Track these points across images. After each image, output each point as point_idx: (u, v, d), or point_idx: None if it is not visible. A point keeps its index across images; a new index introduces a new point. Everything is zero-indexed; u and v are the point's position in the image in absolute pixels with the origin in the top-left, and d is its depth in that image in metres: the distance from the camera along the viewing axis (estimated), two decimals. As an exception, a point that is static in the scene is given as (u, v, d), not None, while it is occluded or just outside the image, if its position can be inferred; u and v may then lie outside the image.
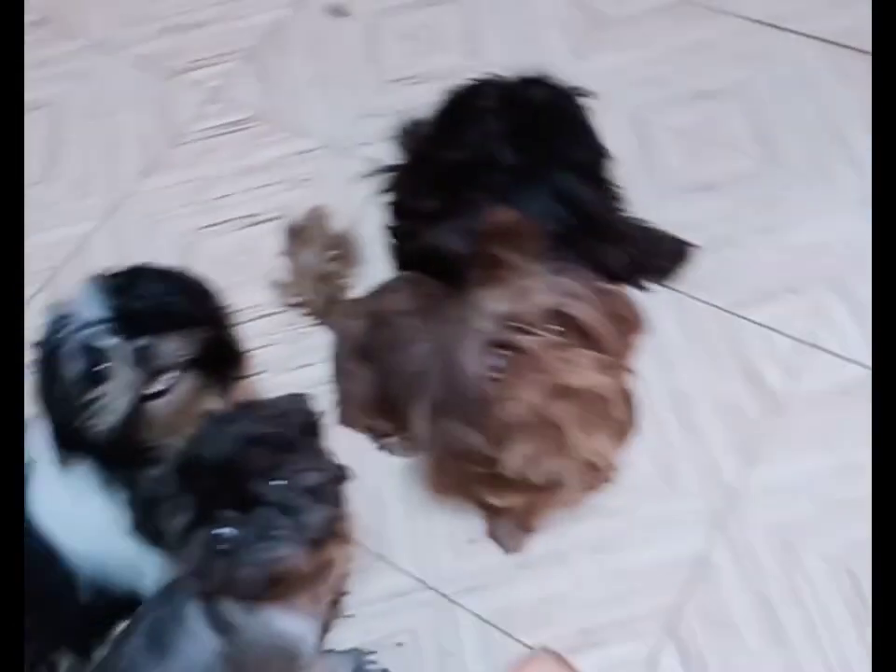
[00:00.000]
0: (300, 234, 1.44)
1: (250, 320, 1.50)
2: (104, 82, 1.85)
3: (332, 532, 0.95)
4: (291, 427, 0.96)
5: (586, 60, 1.73)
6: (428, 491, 1.32)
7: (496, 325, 0.89)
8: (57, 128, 1.80)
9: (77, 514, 1.13)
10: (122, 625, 1.14)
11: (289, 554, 0.90)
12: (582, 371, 0.91)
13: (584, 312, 0.91)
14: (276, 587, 0.93)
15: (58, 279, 1.61)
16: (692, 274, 1.48)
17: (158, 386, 1.05)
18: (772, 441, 1.33)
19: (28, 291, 1.59)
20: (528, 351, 0.89)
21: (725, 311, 1.46)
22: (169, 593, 1.06)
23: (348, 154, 1.69)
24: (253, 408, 0.97)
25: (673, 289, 1.48)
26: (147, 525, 0.96)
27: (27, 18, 1.88)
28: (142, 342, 1.03)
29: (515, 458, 0.97)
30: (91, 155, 1.76)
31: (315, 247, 1.42)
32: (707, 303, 1.46)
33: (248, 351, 1.19)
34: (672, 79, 1.69)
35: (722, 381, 1.39)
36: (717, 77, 1.69)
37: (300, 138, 1.73)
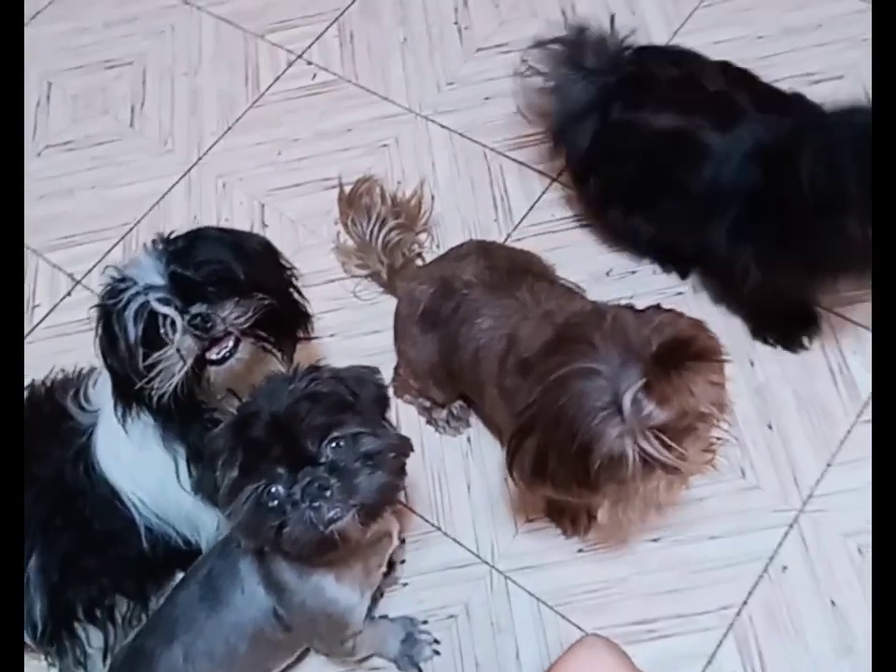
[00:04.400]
0: (353, 202, 1.42)
1: (319, 284, 1.50)
2: (187, 40, 1.86)
3: (388, 502, 0.93)
4: (355, 393, 0.94)
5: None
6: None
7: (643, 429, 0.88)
8: (139, 85, 1.82)
9: (139, 466, 1.15)
10: (179, 576, 1.15)
11: (338, 518, 0.88)
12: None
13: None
14: (328, 552, 0.92)
15: (135, 234, 1.62)
16: None
17: (217, 352, 1.05)
18: (855, 444, 1.27)
19: (106, 245, 1.62)
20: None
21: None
22: (226, 548, 1.07)
23: (429, 121, 1.67)
24: (319, 371, 0.96)
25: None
26: (204, 481, 0.95)
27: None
28: (199, 308, 1.03)
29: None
30: (172, 113, 1.77)
31: (371, 217, 1.40)
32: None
33: (311, 316, 1.18)
34: None
35: (812, 380, 1.34)
36: None
37: (381, 103, 1.71)
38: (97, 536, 1.16)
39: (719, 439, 0.95)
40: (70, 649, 1.18)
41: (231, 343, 1.05)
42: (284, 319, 1.12)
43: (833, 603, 1.17)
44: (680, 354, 0.86)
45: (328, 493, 0.88)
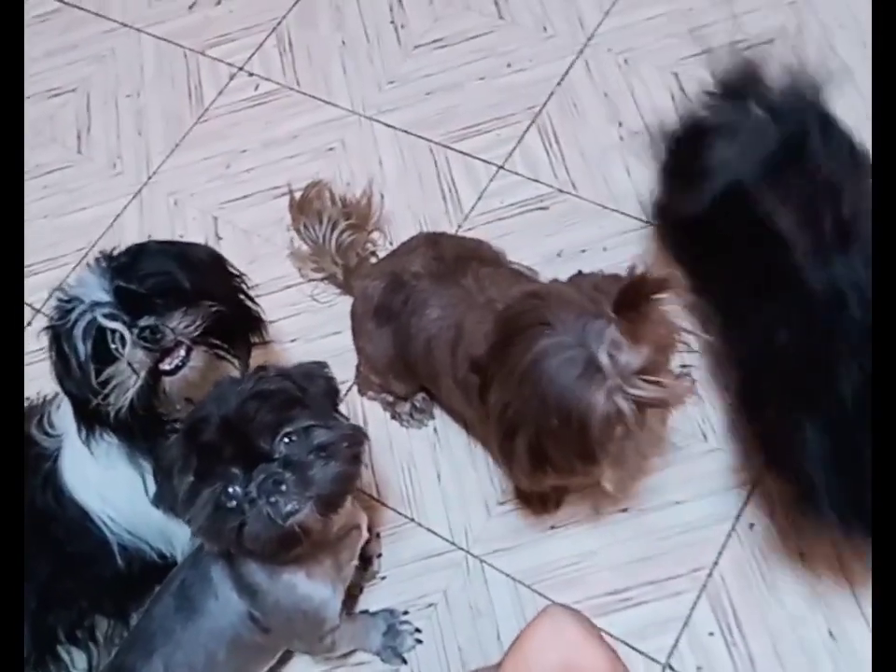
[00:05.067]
0: (304, 208, 1.44)
1: (277, 291, 1.51)
2: (129, 62, 1.87)
3: (344, 491, 0.94)
4: (304, 389, 0.95)
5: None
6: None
7: (627, 379, 0.89)
8: (84, 111, 1.82)
9: (106, 485, 1.15)
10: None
11: (296, 511, 0.89)
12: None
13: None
14: (292, 548, 0.93)
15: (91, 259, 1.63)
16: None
17: (169, 363, 1.06)
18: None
19: (63, 272, 1.62)
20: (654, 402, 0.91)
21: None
22: (197, 556, 1.08)
23: (373, 121, 1.68)
24: (266, 370, 0.97)
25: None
26: (164, 493, 0.96)
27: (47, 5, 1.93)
28: (148, 321, 1.04)
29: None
30: (118, 136, 1.78)
31: (323, 220, 1.41)
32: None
33: (263, 320, 1.19)
34: None
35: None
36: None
37: (324, 107, 1.72)
38: (72, 558, 1.17)
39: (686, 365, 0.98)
40: (55, 672, 1.19)
41: (182, 353, 1.06)
42: (235, 325, 1.13)
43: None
44: (638, 294, 0.88)
45: (283, 487, 0.89)
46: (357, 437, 0.96)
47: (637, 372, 0.89)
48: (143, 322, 1.04)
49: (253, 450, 0.90)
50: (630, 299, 0.89)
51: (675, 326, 0.94)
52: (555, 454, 0.94)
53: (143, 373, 1.04)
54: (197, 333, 1.06)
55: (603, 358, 0.87)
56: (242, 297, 1.17)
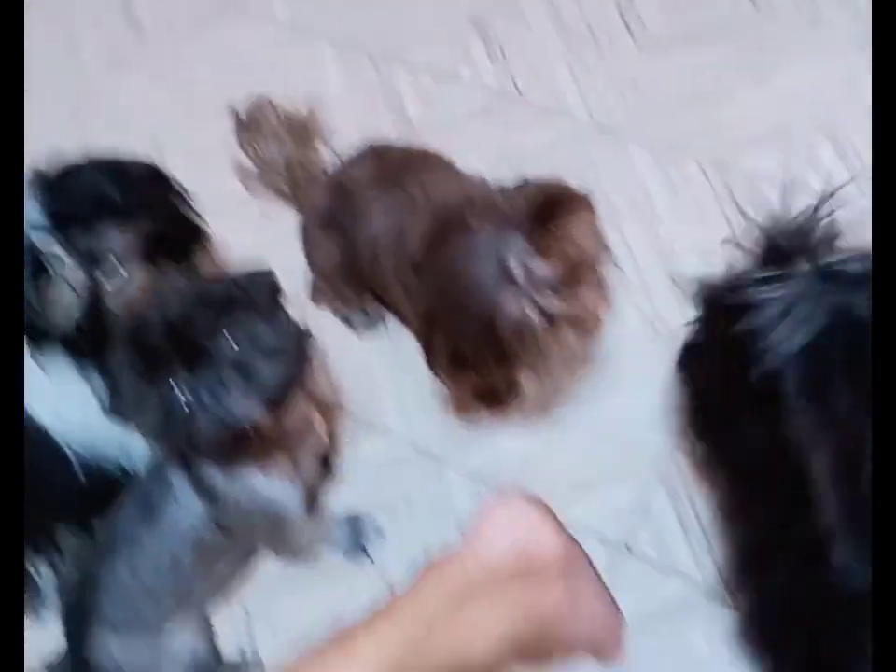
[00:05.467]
0: (250, 125, 1.42)
1: (224, 209, 1.49)
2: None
3: (292, 391, 0.96)
4: (247, 290, 0.96)
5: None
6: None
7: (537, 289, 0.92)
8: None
9: (61, 401, 1.15)
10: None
11: (244, 411, 0.91)
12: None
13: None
14: (245, 447, 0.95)
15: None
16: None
17: (108, 282, 1.06)
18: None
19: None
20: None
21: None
22: (156, 465, 1.09)
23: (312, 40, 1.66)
24: (210, 277, 0.97)
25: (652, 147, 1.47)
26: (113, 402, 0.97)
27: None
28: (82, 241, 1.04)
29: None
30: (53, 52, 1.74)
31: (270, 137, 1.40)
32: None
33: (205, 234, 1.18)
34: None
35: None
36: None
37: (264, 26, 1.69)
38: (33, 475, 1.18)
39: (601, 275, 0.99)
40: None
41: (122, 271, 1.06)
42: (175, 240, 1.13)
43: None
44: (552, 208, 0.89)
45: (229, 387, 0.90)
46: (300, 334, 0.98)
47: (548, 285, 0.91)
48: (79, 242, 1.04)
49: (198, 352, 0.91)
50: (546, 211, 0.91)
51: (593, 245, 0.95)
52: (471, 354, 0.97)
53: (82, 292, 1.05)
54: (135, 250, 1.07)
55: (513, 266, 0.90)
56: (182, 211, 1.17)
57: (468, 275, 0.93)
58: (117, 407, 0.97)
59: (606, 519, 1.20)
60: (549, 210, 0.91)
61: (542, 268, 0.91)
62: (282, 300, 1.02)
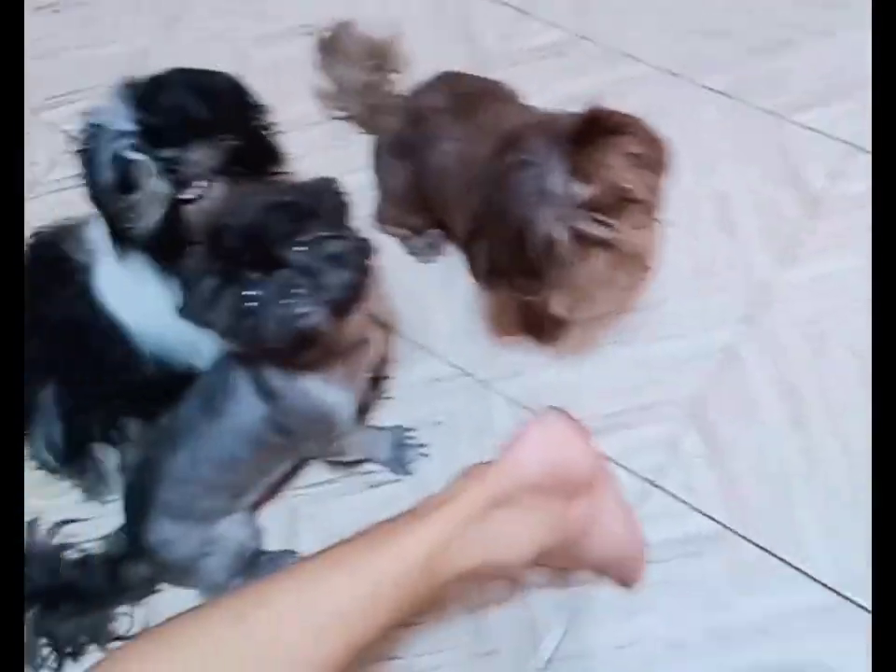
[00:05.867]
0: (331, 48, 1.46)
1: (301, 128, 1.54)
2: None
3: (355, 298, 1.01)
4: (317, 200, 1.01)
5: None
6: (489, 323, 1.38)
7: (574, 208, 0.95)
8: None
9: (137, 297, 1.22)
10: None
11: (310, 312, 0.97)
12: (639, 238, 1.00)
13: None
14: (307, 350, 1.01)
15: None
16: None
17: (189, 193, 1.11)
18: (808, 240, 1.35)
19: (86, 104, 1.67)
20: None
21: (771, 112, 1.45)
22: (220, 364, 1.17)
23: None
24: (278, 184, 1.03)
25: (720, 92, 1.48)
26: (189, 301, 1.04)
27: None
28: (167, 152, 1.08)
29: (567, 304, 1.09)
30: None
31: (350, 61, 1.44)
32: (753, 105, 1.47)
33: (283, 153, 1.23)
34: None
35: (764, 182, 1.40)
36: None
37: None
38: (106, 365, 1.26)
39: (655, 219, 1.02)
40: (90, 468, 1.30)
41: (202, 184, 1.11)
42: (255, 157, 1.17)
43: (787, 385, 1.26)
44: (594, 130, 0.93)
45: (298, 292, 0.96)
46: (366, 247, 1.03)
47: (585, 206, 0.95)
48: (164, 153, 1.08)
49: (270, 256, 0.97)
50: (587, 135, 0.94)
51: (631, 171, 0.97)
52: (506, 263, 1.01)
53: (164, 202, 1.10)
54: (216, 164, 1.11)
55: (551, 184, 0.93)
56: (263, 129, 1.21)
57: (513, 185, 0.97)
58: (190, 309, 1.04)
59: (636, 452, 1.25)
60: (590, 134, 0.94)
61: (580, 189, 0.94)
62: (347, 207, 1.07)
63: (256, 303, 0.97)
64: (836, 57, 1.51)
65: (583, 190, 0.93)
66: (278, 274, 0.96)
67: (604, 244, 0.97)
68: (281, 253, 0.97)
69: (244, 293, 0.97)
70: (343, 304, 1.00)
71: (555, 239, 0.95)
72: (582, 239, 0.96)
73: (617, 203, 0.96)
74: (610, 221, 0.95)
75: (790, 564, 1.14)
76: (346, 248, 0.99)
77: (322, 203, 1.02)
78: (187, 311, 1.05)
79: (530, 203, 0.94)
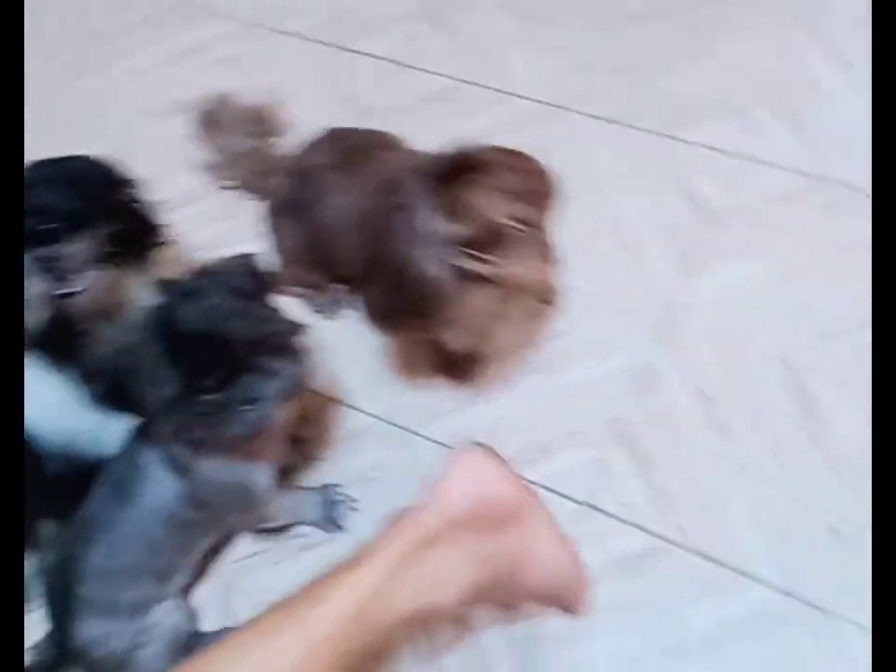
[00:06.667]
0: (212, 120, 1.45)
1: (188, 203, 1.53)
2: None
3: (304, 385, 1.00)
4: (244, 289, 0.99)
5: None
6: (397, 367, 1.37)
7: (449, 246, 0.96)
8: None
9: (35, 395, 1.16)
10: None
11: (271, 413, 0.96)
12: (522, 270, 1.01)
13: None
14: (253, 441, 1.00)
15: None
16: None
17: (71, 287, 1.09)
18: (710, 252, 1.38)
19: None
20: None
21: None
22: (128, 446, 1.12)
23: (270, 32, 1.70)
24: (207, 277, 1.00)
25: (608, 119, 1.51)
26: (117, 394, 1.00)
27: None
28: (43, 251, 1.06)
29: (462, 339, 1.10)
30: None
31: (232, 130, 1.43)
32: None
33: (160, 225, 1.20)
34: None
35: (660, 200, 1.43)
36: None
37: (219, 20, 1.72)
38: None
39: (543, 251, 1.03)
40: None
41: (85, 275, 1.09)
42: (133, 236, 1.16)
43: (705, 395, 1.27)
44: (458, 169, 0.94)
45: (262, 394, 0.95)
46: (299, 329, 1.01)
47: (459, 243, 0.96)
48: (40, 252, 1.07)
49: (233, 361, 0.94)
50: (451, 173, 0.95)
51: (497, 208, 0.97)
52: (394, 306, 1.03)
53: (45, 302, 1.08)
54: (95, 253, 1.09)
55: (422, 224, 0.95)
56: (134, 204, 1.18)
57: (389, 232, 0.99)
58: (128, 400, 1.00)
59: (567, 477, 1.24)
60: (455, 173, 0.95)
61: (452, 228, 0.96)
62: (267, 287, 1.04)
63: (213, 409, 0.94)
64: (718, 75, 1.56)
65: (456, 228, 0.94)
66: (241, 379, 0.94)
67: (484, 279, 0.97)
68: (240, 357, 0.95)
69: (201, 400, 0.94)
70: (292, 394, 0.99)
71: (435, 277, 0.95)
72: (463, 276, 0.96)
73: (494, 238, 0.96)
74: (486, 257, 0.95)
75: (731, 567, 1.14)
76: (287, 337, 0.98)
77: (248, 289, 0.99)
78: (107, 398, 1.02)
79: (408, 244, 0.96)
